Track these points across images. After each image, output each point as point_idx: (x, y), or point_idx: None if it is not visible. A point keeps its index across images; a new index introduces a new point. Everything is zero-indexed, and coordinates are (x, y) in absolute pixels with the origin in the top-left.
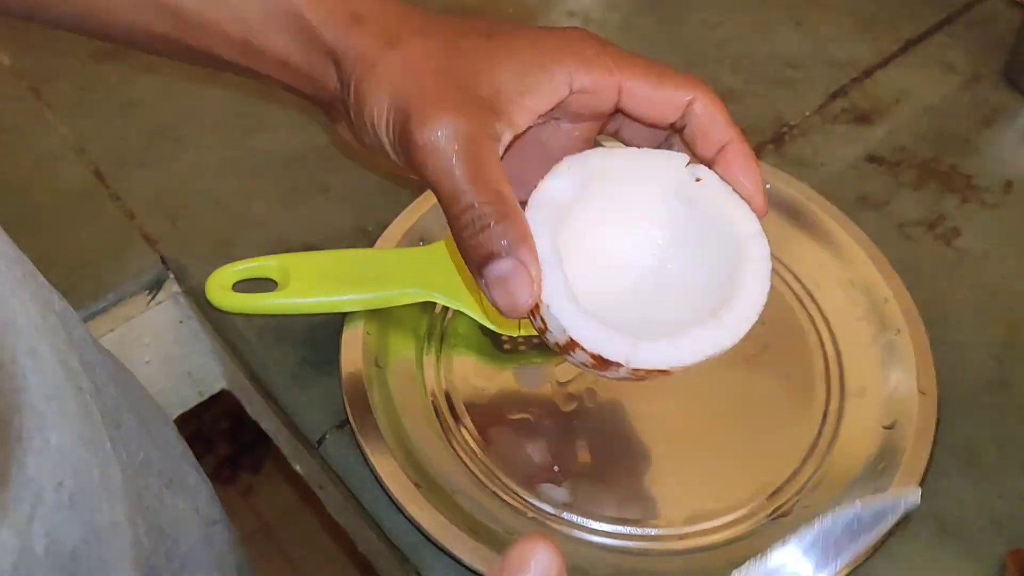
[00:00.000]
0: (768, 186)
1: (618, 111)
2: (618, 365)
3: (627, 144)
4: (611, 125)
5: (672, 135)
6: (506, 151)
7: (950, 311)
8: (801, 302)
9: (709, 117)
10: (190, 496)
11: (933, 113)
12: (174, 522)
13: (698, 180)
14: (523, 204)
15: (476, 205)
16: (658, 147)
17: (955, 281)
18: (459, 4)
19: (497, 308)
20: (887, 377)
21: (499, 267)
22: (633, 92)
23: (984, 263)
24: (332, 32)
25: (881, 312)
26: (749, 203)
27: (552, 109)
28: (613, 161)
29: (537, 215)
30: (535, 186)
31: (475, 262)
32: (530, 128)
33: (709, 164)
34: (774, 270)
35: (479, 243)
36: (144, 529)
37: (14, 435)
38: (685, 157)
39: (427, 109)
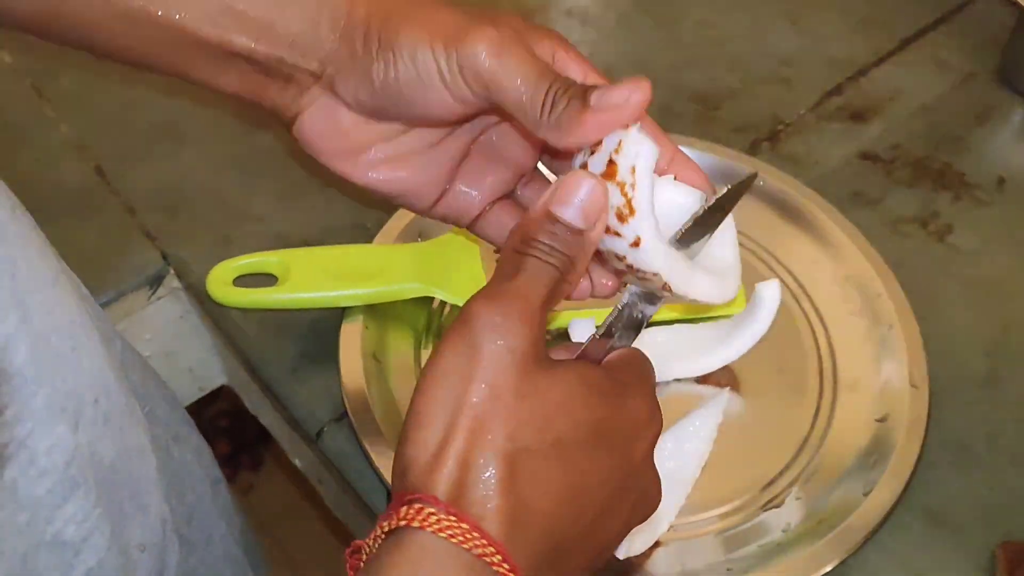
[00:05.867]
0: (761, 183)
1: None
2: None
3: None
4: None
5: None
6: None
7: (942, 307)
8: (795, 297)
9: (654, 128)
10: (194, 452)
11: (927, 111)
12: (181, 473)
13: None
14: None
15: (559, 78)
16: None
17: (947, 277)
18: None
19: (624, 105)
20: (879, 371)
21: (601, 89)
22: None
23: (976, 259)
24: None
25: (874, 307)
26: (702, 186)
27: None
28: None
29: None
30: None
31: (574, 107)
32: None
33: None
34: (768, 265)
35: (566, 102)
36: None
37: (52, 350)
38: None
39: (477, 23)
